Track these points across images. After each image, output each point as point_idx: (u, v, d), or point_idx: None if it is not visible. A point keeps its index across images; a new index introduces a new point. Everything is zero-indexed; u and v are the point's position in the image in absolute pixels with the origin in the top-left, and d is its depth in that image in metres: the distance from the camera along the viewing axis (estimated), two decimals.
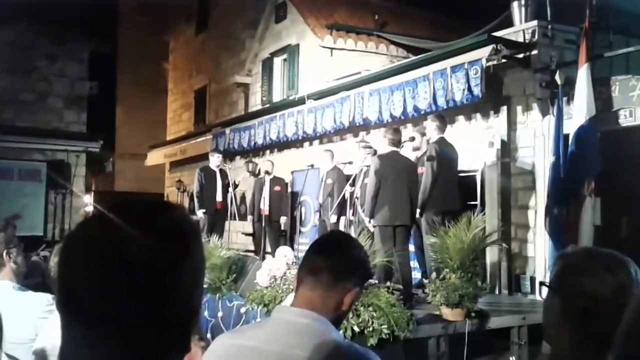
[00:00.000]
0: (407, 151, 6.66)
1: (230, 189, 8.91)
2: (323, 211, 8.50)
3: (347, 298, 1.55)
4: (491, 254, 7.08)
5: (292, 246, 9.74)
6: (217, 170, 8.98)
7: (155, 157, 16.39)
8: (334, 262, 1.56)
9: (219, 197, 8.90)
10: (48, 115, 11.92)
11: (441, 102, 6.75)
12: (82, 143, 12.12)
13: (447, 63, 6.76)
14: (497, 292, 6.94)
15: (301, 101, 9.51)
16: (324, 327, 1.50)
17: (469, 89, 6.33)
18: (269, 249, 8.96)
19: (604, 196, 5.97)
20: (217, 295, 6.08)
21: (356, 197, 7.23)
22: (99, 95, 13.48)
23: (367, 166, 6.38)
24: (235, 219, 9.53)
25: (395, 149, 5.76)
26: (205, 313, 6.08)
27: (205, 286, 6.10)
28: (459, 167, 7.26)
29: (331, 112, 8.79)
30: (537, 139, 6.71)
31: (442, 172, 5.65)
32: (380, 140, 6.12)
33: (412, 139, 6.35)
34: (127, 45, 22.35)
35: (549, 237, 6.15)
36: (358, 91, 8.22)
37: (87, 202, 17.83)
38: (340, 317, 1.60)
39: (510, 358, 5.27)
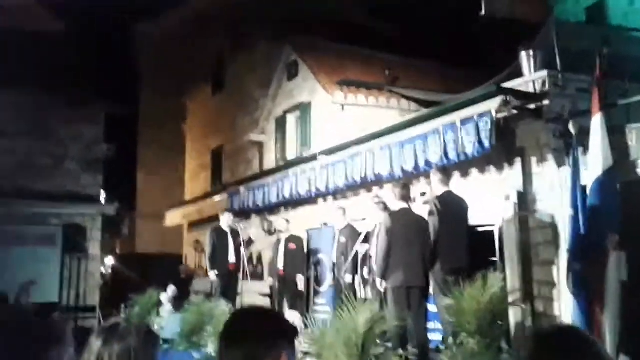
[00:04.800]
0: (419, 206, 6.47)
1: (242, 249, 8.76)
2: (337, 270, 8.27)
3: None
4: (515, 315, 6.71)
5: (308, 306, 9.50)
6: (228, 230, 8.85)
7: (173, 218, 16.41)
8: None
9: (231, 258, 8.74)
10: (64, 179, 12.02)
11: (452, 155, 6.59)
12: (98, 206, 12.16)
13: (457, 116, 6.64)
14: (522, 354, 6.54)
15: (313, 158, 9.44)
16: None
17: (480, 142, 6.17)
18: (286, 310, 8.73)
19: (629, 250, 5.65)
20: None
21: (370, 256, 7.01)
22: (118, 157, 13.64)
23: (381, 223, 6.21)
24: (248, 278, 9.36)
25: (405, 205, 5.57)
26: None
27: (212, 356, 5.95)
28: (478, 222, 7.07)
29: (343, 168, 8.68)
30: (554, 191, 6.45)
31: (446, 228, 5.43)
32: (389, 197, 5.95)
33: (423, 193, 6.16)
34: (147, 107, 22.92)
35: (572, 295, 5.80)
36: (369, 146, 8.11)
37: (108, 264, 17.85)
38: None
39: None
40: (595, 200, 5.69)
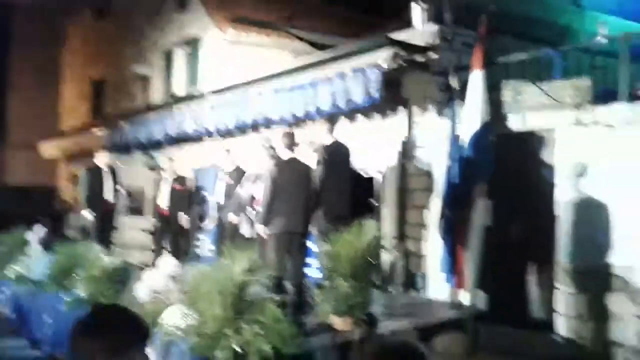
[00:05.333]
0: (308, 153, 6.46)
1: (120, 188, 8.36)
2: (222, 211, 8.16)
3: None
4: (388, 252, 7.05)
5: (192, 244, 9.38)
6: (105, 167, 8.38)
7: (49, 149, 15.31)
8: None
9: (108, 197, 8.32)
10: None
11: (342, 103, 6.59)
12: None
13: (348, 64, 6.60)
14: (393, 290, 6.94)
15: (202, 97, 9.07)
16: None
17: (368, 92, 6.20)
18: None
19: (496, 199, 6.06)
20: None
21: (254, 198, 6.97)
22: None
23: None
24: (127, 215, 9.02)
25: (291, 153, 5.53)
26: None
27: (83, 298, 5.68)
28: (365, 168, 7.23)
29: (233, 109, 8.42)
30: (434, 142, 6.71)
31: (330, 177, 5.49)
32: (276, 145, 5.88)
33: (312, 142, 6.15)
34: (21, 25, 20.70)
35: (441, 237, 6.17)
36: (260, 89, 7.91)
37: None
38: None
39: None
40: (470, 152, 5.99)
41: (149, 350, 1.58)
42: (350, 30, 9.91)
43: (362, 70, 6.28)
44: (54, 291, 6.39)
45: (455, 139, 6.14)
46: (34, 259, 7.35)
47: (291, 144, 5.48)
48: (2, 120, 22.07)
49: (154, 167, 10.39)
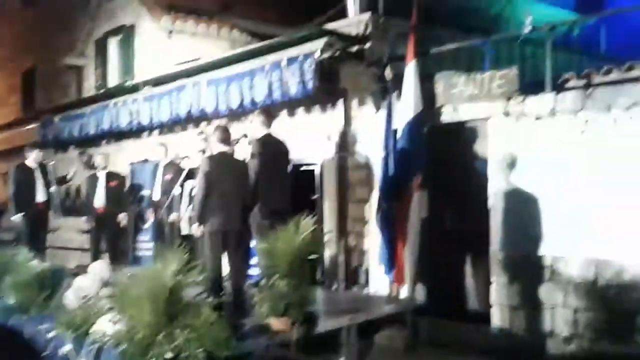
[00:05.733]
0: (244, 148, 6.35)
1: (54, 187, 8.02)
2: (160, 208, 7.95)
3: None
4: (330, 248, 7.06)
5: (133, 243, 9.12)
6: (36, 166, 8.01)
7: None
8: None
9: (40, 197, 7.96)
10: None
11: (277, 95, 6.51)
12: None
13: (283, 55, 6.50)
14: (335, 286, 6.95)
15: (136, 88, 8.78)
16: None
17: (303, 83, 6.14)
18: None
19: (430, 190, 6.14)
20: (25, 317, 5.34)
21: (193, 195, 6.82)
22: None
23: None
24: (61, 216, 8.68)
25: (225, 148, 5.41)
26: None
27: (13, 306, 5.43)
28: (303, 161, 7.16)
29: (167, 101, 8.19)
30: (371, 134, 6.72)
31: (265, 171, 5.40)
32: (210, 139, 5.74)
33: (245, 135, 6.03)
34: None
35: (379, 232, 6.21)
36: (195, 80, 7.71)
37: None
38: None
39: (339, 359, 5.23)
40: (404, 144, 6.03)
41: None
42: (291, 20, 9.75)
43: (296, 60, 6.20)
44: None
45: (390, 131, 6.16)
46: None
47: (225, 138, 5.35)
48: None
49: (90, 164, 10.01)
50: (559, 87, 5.30)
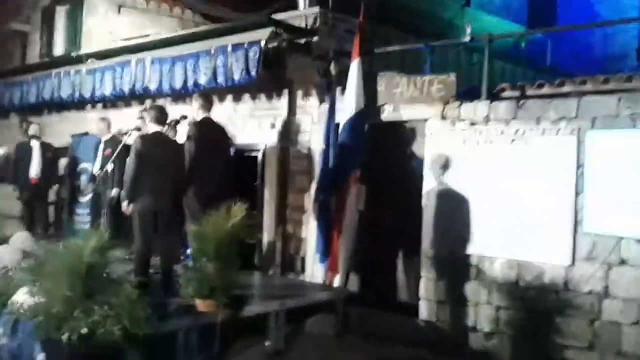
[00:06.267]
0: (184, 129, 6.31)
1: None
2: (100, 183, 7.80)
3: None
4: (268, 235, 7.13)
5: (70, 215, 8.91)
6: None
7: None
8: None
9: None
10: None
11: (221, 79, 6.50)
12: None
13: (229, 40, 6.48)
14: (271, 272, 7.03)
15: (79, 60, 8.56)
16: None
17: (247, 70, 6.15)
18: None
19: (370, 185, 6.28)
20: None
21: None
22: None
23: None
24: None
25: (159, 127, 5.36)
26: None
27: None
28: (247, 147, 7.18)
29: (111, 76, 8.03)
30: (314, 125, 6.80)
31: (201, 154, 5.40)
32: (145, 119, 5.67)
33: (184, 117, 6.00)
34: None
35: (316, 221, 6.32)
36: (140, 57, 7.58)
37: None
38: None
39: (266, 343, 5.30)
40: (345, 138, 6.14)
41: None
42: (243, 6, 9.70)
43: (242, 47, 6.20)
44: None
45: (332, 124, 6.26)
46: None
47: (160, 118, 5.31)
48: None
49: (31, 133, 9.70)
50: (494, 96, 5.51)
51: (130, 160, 5.25)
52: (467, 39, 5.75)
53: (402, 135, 6.24)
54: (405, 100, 6.02)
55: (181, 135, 6.12)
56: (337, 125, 6.22)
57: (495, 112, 5.45)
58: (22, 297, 4.24)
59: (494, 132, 5.44)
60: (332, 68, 6.21)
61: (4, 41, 12.01)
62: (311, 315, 5.99)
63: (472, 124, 5.58)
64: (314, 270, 6.62)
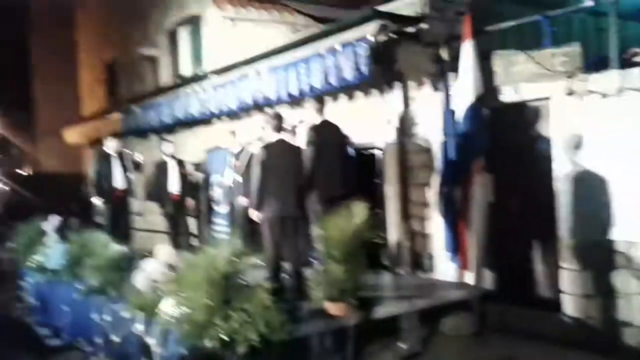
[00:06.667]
0: (301, 134, 6.45)
1: (130, 174, 8.54)
2: (232, 194, 8.26)
3: None
4: (394, 233, 7.06)
5: (209, 226, 9.53)
6: (114, 154, 8.54)
7: (72, 136, 15.62)
8: None
9: (119, 184, 8.50)
10: None
11: (333, 80, 6.52)
12: None
13: (338, 39, 6.49)
14: (401, 271, 6.96)
15: (204, 77, 9.10)
16: None
17: (357, 67, 6.11)
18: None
19: (496, 173, 5.98)
20: (105, 297, 5.80)
21: None
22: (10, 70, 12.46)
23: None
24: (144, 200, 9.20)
25: (279, 135, 5.54)
26: (95, 316, 5.84)
27: (94, 287, 5.89)
28: (364, 146, 7.19)
29: (233, 89, 8.42)
30: (432, 117, 6.61)
31: (321, 157, 5.48)
32: (264, 127, 5.88)
33: (301, 122, 6.13)
34: (37, 15, 21.00)
35: (442, 216, 6.15)
36: (257, 68, 7.87)
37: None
38: None
39: (399, 345, 5.26)
40: (465, 126, 5.90)
41: None
42: (352, 2, 9.69)
43: (350, 44, 6.18)
44: (69, 280, 6.66)
45: (448, 113, 6.05)
46: (51, 249, 7.62)
47: (278, 126, 5.48)
48: (31, 110, 22.61)
49: (166, 152, 10.52)
50: (626, 63, 4.97)
51: (254, 169, 5.48)
52: (589, 3, 5.23)
53: (524, 117, 5.86)
54: (525, 79, 5.63)
55: (301, 140, 6.27)
56: (454, 112, 6.00)
57: (630, 81, 4.90)
58: (168, 308, 4.60)
59: (629, 103, 4.91)
60: (444, 54, 5.99)
61: (137, 67, 13.12)
62: (445, 314, 5.84)
63: (604, 96, 5.08)
64: (444, 268, 6.44)
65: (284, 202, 5.43)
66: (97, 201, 8.38)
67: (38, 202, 13.65)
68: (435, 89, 6.48)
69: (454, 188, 6.03)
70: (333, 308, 4.85)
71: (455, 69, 5.99)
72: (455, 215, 6.04)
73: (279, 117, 5.59)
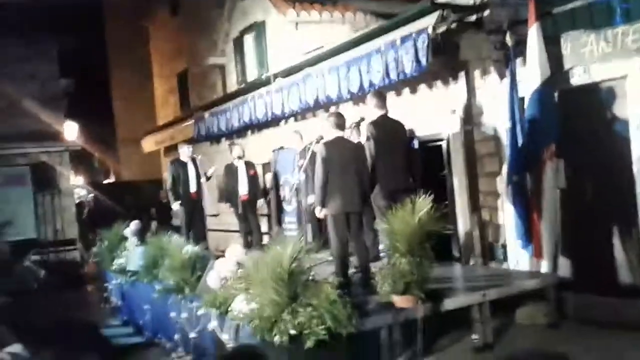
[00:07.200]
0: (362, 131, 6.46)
1: (203, 178, 8.86)
2: (299, 193, 8.39)
3: None
4: (464, 224, 6.93)
5: (280, 224, 9.74)
6: (188, 160, 8.89)
7: (149, 144, 16.40)
8: None
9: (192, 188, 8.84)
10: (25, 119, 11.86)
11: (393, 75, 6.49)
12: (61, 143, 12.10)
13: (397, 34, 6.46)
14: (472, 262, 6.82)
15: (268, 81, 9.30)
16: None
17: (417, 60, 6.05)
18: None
19: (568, 159, 5.74)
20: (181, 296, 6.04)
21: None
22: (91, 86, 13.36)
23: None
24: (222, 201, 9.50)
25: (340, 133, 5.58)
26: (173, 314, 6.09)
27: (171, 287, 6.16)
28: (429, 137, 7.10)
29: (296, 91, 8.57)
30: (496, 104, 6.43)
31: (382, 152, 5.45)
32: (324, 125, 5.94)
33: (363, 119, 6.14)
34: (114, 33, 22.19)
35: (512, 205, 5.97)
36: (319, 68, 7.96)
37: (88, 195, 18.05)
38: None
39: (473, 336, 5.15)
40: (533, 112, 5.71)
41: None
42: None
43: (410, 38, 6.13)
44: (148, 281, 7.00)
45: (515, 99, 5.86)
46: (131, 252, 8.05)
47: (339, 123, 5.52)
48: (111, 119, 23.97)
49: (235, 155, 10.83)
50: None
51: (317, 167, 5.55)
52: None
53: (598, 98, 5.57)
54: (596, 59, 5.36)
55: (364, 136, 6.28)
56: (522, 99, 5.81)
57: None
58: (239, 305, 4.74)
59: None
60: (509, 39, 5.81)
61: (205, 76, 13.60)
62: (520, 305, 5.67)
63: None
64: (518, 258, 6.24)
65: (348, 198, 5.46)
66: (173, 205, 8.74)
67: (119, 209, 14.43)
68: (501, 75, 6.30)
69: (524, 176, 5.83)
70: (400, 301, 4.82)
71: (521, 54, 5.80)
72: (526, 204, 5.84)
73: (339, 116, 5.63)
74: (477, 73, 6.61)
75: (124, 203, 16.06)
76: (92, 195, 17.84)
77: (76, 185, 16.91)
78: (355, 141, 6.19)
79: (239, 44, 12.13)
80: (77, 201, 14.79)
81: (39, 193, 11.87)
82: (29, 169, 11.68)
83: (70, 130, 13.10)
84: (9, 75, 11.75)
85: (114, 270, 8.43)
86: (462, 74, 6.71)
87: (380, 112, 5.69)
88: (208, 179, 9.23)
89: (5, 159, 11.56)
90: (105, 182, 22.44)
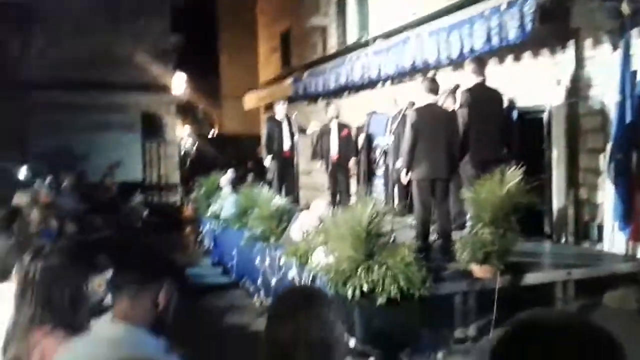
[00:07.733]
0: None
1: (296, 137, 9.06)
2: (387, 156, 8.40)
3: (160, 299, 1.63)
4: (558, 201, 6.65)
5: (369, 186, 9.83)
6: (283, 118, 9.12)
7: (251, 101, 16.92)
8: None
9: (286, 146, 9.08)
10: (137, 70, 12.65)
11: (495, 40, 6.24)
12: (170, 95, 12.82)
13: None
14: (564, 240, 6.56)
15: (366, 44, 9.25)
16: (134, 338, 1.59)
17: (522, 26, 5.77)
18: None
19: None
20: (266, 244, 6.34)
21: None
22: (200, 43, 13.95)
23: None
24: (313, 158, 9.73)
25: (434, 98, 5.49)
26: (257, 260, 6.43)
27: (257, 235, 6.48)
28: (529, 108, 6.81)
29: (394, 54, 8.47)
30: (607, 76, 6.01)
31: (475, 120, 5.31)
32: (418, 91, 5.85)
33: (458, 86, 5.99)
34: None
35: (613, 184, 5.65)
36: (418, 32, 7.81)
37: (192, 145, 19.04)
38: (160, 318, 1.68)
39: None
40: None
41: None
42: None
43: (516, 3, 5.84)
44: (237, 227, 7.39)
45: (627, 72, 5.46)
46: (225, 200, 8.49)
47: (433, 89, 5.43)
48: (217, 75, 24.93)
49: (330, 115, 10.95)
50: None
51: (406, 132, 5.53)
52: None
53: None
54: None
55: (459, 103, 6.14)
56: (635, 73, 5.41)
57: None
58: (318, 257, 4.92)
59: None
60: (625, 8, 5.38)
61: (307, 37, 13.72)
62: (610, 288, 5.43)
63: None
64: (613, 239, 5.91)
65: (435, 164, 5.41)
66: (265, 161, 9.06)
67: (220, 160, 15.15)
68: (614, 46, 5.87)
69: (630, 155, 5.48)
70: (478, 270, 4.77)
71: (637, 24, 5.38)
72: (629, 184, 5.51)
73: (433, 81, 5.54)
74: (587, 42, 6.20)
75: (225, 155, 16.82)
76: (195, 145, 18.81)
77: (181, 136, 17.90)
78: (450, 108, 6.08)
79: (341, 5, 12.09)
80: (182, 151, 15.70)
81: (147, 140, 12.73)
82: (139, 117, 12.53)
83: (179, 83, 13.81)
84: (125, 30, 12.53)
85: (209, 216, 8.96)
86: (571, 43, 6.33)
87: (477, 79, 5.52)
88: (306, 134, 9.39)
89: (118, 107, 12.45)
90: (208, 134, 23.50)
